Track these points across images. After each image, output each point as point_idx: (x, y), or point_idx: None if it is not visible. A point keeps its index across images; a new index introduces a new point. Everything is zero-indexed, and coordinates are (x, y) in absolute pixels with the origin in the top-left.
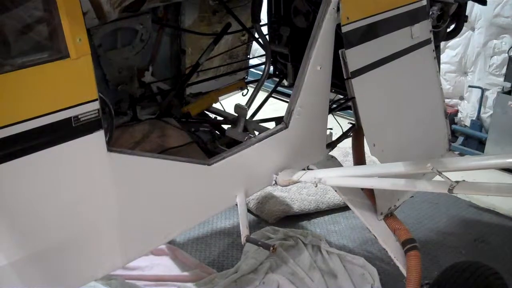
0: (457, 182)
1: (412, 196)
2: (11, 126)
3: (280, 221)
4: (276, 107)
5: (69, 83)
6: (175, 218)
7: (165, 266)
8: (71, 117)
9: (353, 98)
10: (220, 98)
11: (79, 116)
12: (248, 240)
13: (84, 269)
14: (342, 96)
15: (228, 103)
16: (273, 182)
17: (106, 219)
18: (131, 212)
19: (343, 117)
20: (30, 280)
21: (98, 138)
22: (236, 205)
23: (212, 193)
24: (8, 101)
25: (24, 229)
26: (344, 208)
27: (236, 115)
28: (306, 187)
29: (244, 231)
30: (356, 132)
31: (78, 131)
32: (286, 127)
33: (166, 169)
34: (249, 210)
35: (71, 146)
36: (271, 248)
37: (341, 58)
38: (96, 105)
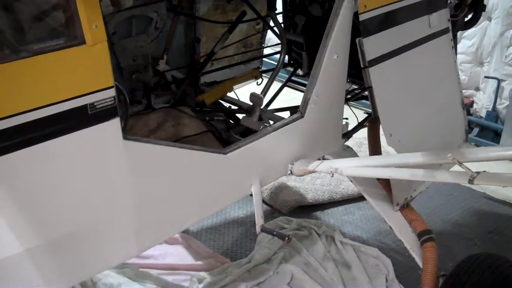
0: (477, 172)
1: (427, 187)
2: (27, 112)
3: (294, 211)
4: (290, 97)
5: (85, 69)
6: (190, 207)
7: (178, 255)
8: (87, 104)
9: (370, 88)
10: (234, 87)
11: (95, 103)
12: (263, 229)
13: (99, 258)
14: (356, 86)
15: (242, 92)
16: (289, 172)
17: (122, 207)
18: (146, 200)
19: (356, 107)
20: (45, 267)
21: (114, 125)
22: (251, 194)
23: (228, 182)
24: (24, 87)
25: (39, 217)
26: (358, 198)
27: (250, 104)
28: (320, 177)
29: (259, 221)
30: (372, 122)
31: (94, 119)
32: (302, 116)
33: (182, 157)
34: (262, 200)
35: (87, 134)
36: (286, 238)
37: (358, 47)
38: (112, 92)
